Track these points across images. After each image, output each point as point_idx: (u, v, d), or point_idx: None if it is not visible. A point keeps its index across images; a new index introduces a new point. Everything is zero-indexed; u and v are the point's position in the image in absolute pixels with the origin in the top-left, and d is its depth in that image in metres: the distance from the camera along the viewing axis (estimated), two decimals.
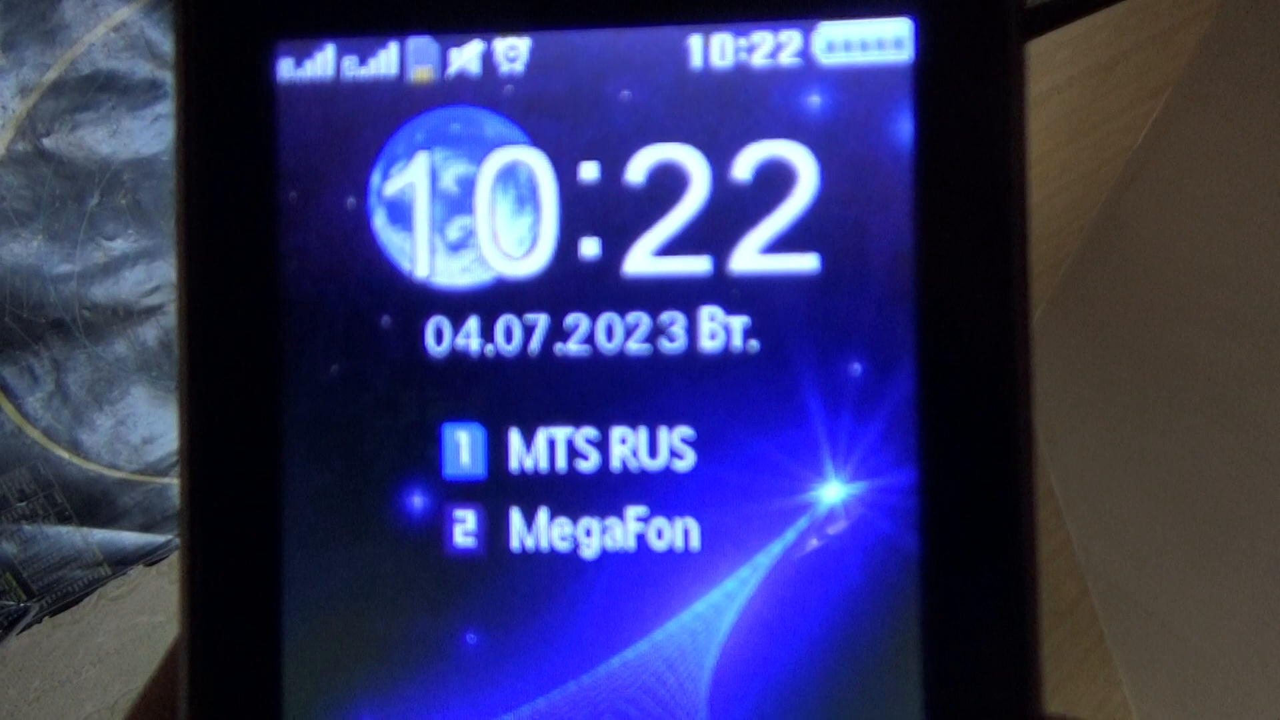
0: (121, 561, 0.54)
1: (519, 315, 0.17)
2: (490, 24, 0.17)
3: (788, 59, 0.17)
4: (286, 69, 0.17)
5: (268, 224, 0.17)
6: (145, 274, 0.53)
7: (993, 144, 0.16)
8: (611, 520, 0.17)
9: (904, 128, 0.17)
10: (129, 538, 0.54)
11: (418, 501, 0.17)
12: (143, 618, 0.55)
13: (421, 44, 0.17)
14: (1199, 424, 1.61)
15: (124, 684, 0.55)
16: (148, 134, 0.53)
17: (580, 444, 0.17)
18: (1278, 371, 1.48)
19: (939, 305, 0.16)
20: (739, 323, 0.17)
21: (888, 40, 0.17)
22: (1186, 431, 1.64)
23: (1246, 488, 1.60)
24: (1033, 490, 0.16)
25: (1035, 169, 1.29)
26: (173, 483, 0.55)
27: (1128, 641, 2.12)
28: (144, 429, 0.54)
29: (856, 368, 0.17)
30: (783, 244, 0.17)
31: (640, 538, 0.17)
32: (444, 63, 0.17)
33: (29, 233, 0.51)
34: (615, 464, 0.17)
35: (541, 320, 0.17)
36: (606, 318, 0.17)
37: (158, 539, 0.55)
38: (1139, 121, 1.41)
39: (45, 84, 0.52)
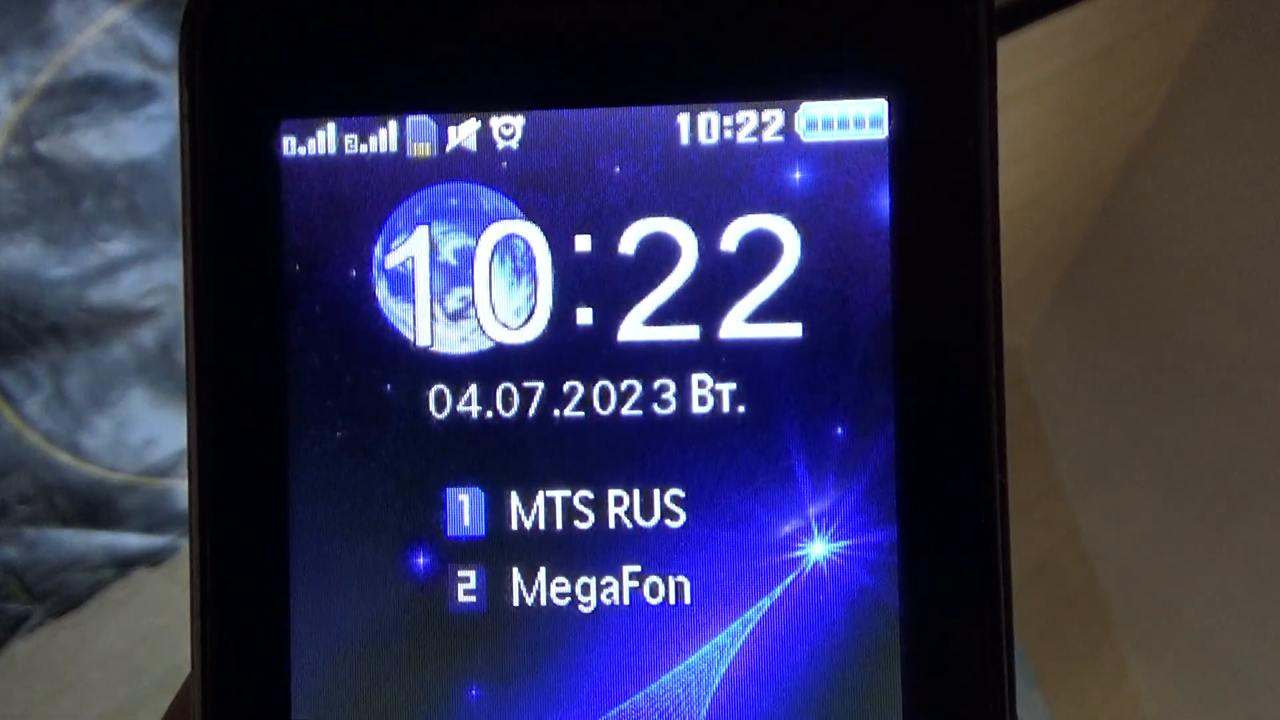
0: (124, 564, 0.55)
1: (517, 382, 0.18)
2: (486, 103, 0.18)
3: (771, 136, 0.18)
4: (290, 146, 0.18)
5: (274, 296, 0.18)
6: (142, 276, 0.54)
7: (965, 217, 0.17)
8: (608, 578, 0.18)
9: (881, 202, 0.17)
10: (131, 540, 0.55)
11: (422, 561, 0.18)
12: (147, 620, 0.56)
13: (420, 122, 0.18)
14: (1208, 411, 1.62)
15: (130, 686, 0.56)
16: (141, 136, 0.53)
17: (577, 504, 0.18)
18: None
19: (916, 372, 0.17)
20: (727, 388, 0.18)
21: (865, 119, 0.17)
22: (1195, 419, 1.65)
23: (1256, 474, 1.62)
24: (1007, 547, 0.17)
25: (1037, 157, 1.29)
26: (175, 484, 0.56)
27: (1137, 629, 2.14)
28: (144, 431, 0.55)
29: (839, 431, 0.17)
30: (768, 313, 0.18)
31: (635, 594, 0.18)
32: (442, 140, 0.18)
33: (24, 236, 0.52)
34: (610, 523, 0.18)
35: (539, 386, 0.18)
36: (601, 384, 0.18)
37: (160, 541, 0.56)
38: (1142, 106, 1.41)
39: (37, 88, 0.52)
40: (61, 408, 0.53)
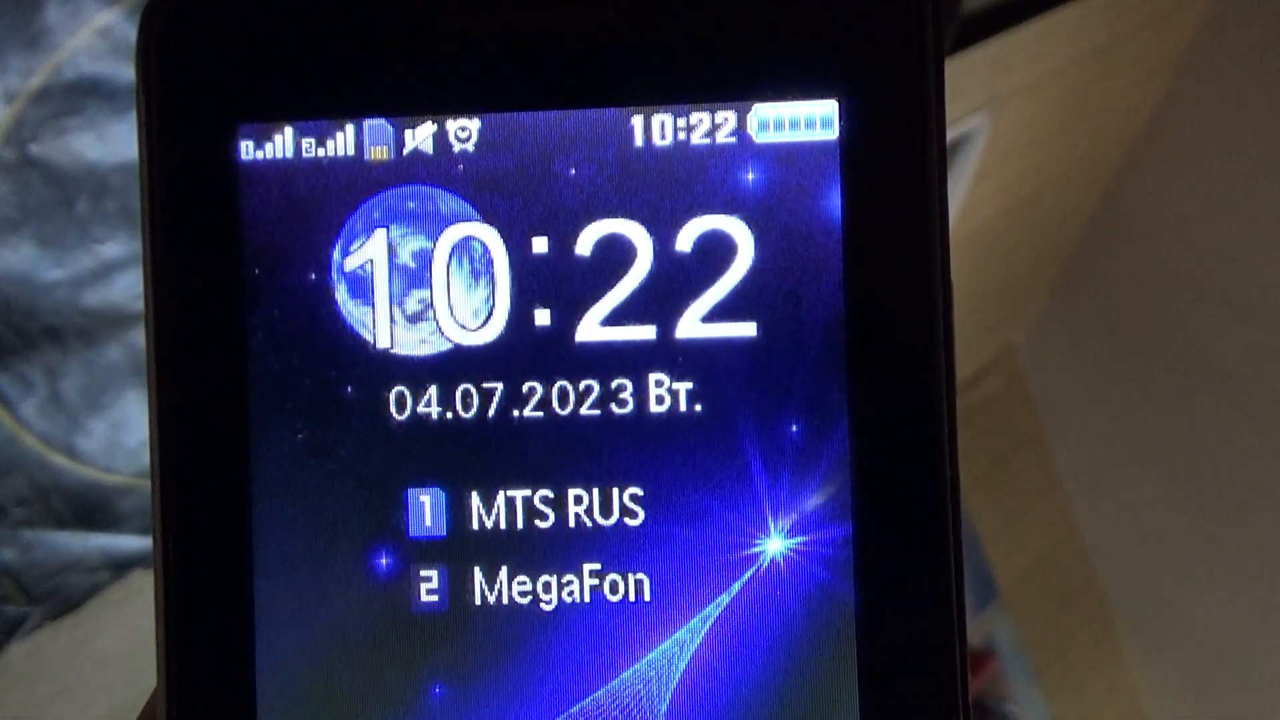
0: (121, 566, 0.55)
1: (476, 383, 0.18)
2: (442, 107, 0.18)
3: (724, 138, 0.18)
4: (248, 150, 0.18)
5: (233, 300, 0.18)
6: (137, 278, 0.54)
7: (914, 217, 0.17)
8: (569, 576, 0.18)
9: (833, 202, 0.18)
10: (128, 542, 0.55)
11: (384, 562, 0.18)
12: (145, 621, 0.56)
13: (377, 125, 0.18)
14: (1207, 408, 1.62)
15: (129, 688, 0.56)
16: (134, 138, 0.53)
17: (537, 504, 0.18)
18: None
19: (869, 370, 0.17)
20: (684, 387, 0.18)
21: (816, 120, 0.18)
22: (1194, 415, 1.65)
23: (1254, 470, 1.61)
24: (959, 541, 0.17)
25: (1034, 154, 1.29)
26: None
27: (1136, 626, 2.14)
28: (140, 433, 0.55)
29: (794, 429, 0.18)
30: (723, 312, 0.18)
31: (595, 591, 0.18)
32: (399, 143, 0.18)
33: (18, 239, 0.52)
34: (571, 522, 0.18)
35: (498, 387, 0.18)
36: (560, 384, 0.18)
37: None
38: (1139, 104, 1.41)
39: (30, 91, 0.52)
40: (57, 410, 0.53)
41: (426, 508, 0.18)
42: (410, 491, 0.18)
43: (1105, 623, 2.16)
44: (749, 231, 0.18)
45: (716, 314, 0.18)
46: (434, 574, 0.18)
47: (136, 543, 0.56)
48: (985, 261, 1.41)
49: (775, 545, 0.18)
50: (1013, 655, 2.02)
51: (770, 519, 0.18)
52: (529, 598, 0.18)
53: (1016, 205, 1.35)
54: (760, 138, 0.18)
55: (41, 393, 0.52)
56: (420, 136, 0.18)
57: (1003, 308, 1.68)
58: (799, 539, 0.18)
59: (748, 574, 0.18)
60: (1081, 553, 2.09)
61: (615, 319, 0.18)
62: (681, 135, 0.18)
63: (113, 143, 0.54)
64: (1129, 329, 1.66)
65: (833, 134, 0.17)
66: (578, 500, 0.18)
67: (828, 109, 0.17)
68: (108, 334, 0.54)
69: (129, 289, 0.54)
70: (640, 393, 0.18)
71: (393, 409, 0.18)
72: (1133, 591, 2.04)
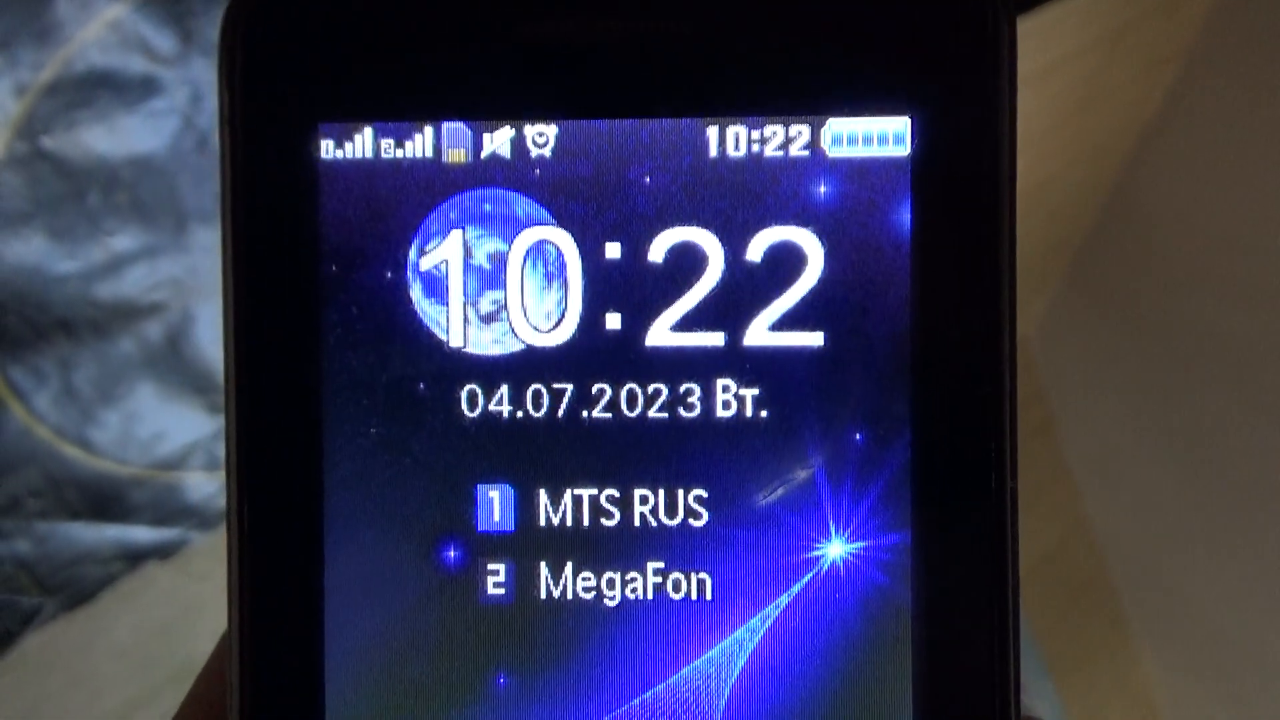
0: (135, 557, 0.55)
1: (547, 383, 0.18)
2: (521, 112, 0.18)
3: (797, 150, 0.18)
4: (328, 149, 0.18)
5: (311, 296, 0.18)
6: (149, 271, 0.54)
7: (983, 235, 0.18)
8: (632, 573, 0.18)
9: (902, 217, 0.18)
10: (141, 533, 0.55)
11: (453, 555, 0.18)
12: (158, 612, 0.56)
13: (455, 129, 0.18)
14: (1219, 399, 1.62)
15: (142, 679, 0.56)
16: (144, 130, 0.54)
17: (604, 502, 0.19)
18: None
19: (932, 383, 0.18)
20: (750, 394, 0.18)
21: (889, 135, 0.18)
22: (1206, 406, 1.65)
23: (1266, 459, 1.62)
24: (1016, 552, 0.18)
25: (1045, 142, 1.29)
26: (184, 476, 0.56)
27: (1147, 617, 2.13)
28: (152, 425, 0.55)
29: (857, 437, 0.18)
30: (791, 322, 0.18)
31: (658, 589, 0.18)
32: (477, 146, 0.18)
33: (30, 232, 0.52)
34: (636, 521, 0.18)
35: (568, 388, 0.18)
36: (628, 387, 0.18)
37: (170, 534, 0.56)
38: (1150, 91, 1.41)
39: (41, 84, 0.52)
40: (71, 402, 0.53)
41: (495, 503, 0.18)
42: (480, 487, 0.18)
43: (1116, 613, 2.16)
44: (819, 243, 0.18)
45: (785, 323, 0.18)
46: (501, 568, 0.18)
47: (150, 534, 0.56)
48: None
49: (835, 549, 0.18)
50: (1025, 647, 2.03)
51: (831, 524, 0.18)
52: (593, 593, 0.18)
53: (1027, 192, 1.35)
54: (833, 152, 0.18)
55: (55, 385, 0.53)
56: (498, 141, 0.18)
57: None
58: (859, 544, 0.18)
59: (807, 577, 0.18)
60: (1092, 544, 2.09)
61: (685, 325, 0.18)
62: (756, 147, 0.18)
63: (123, 135, 0.54)
64: (1140, 319, 1.67)
65: (905, 150, 0.18)
66: (643, 500, 0.18)
67: (900, 125, 0.18)
68: (119, 326, 0.54)
69: (140, 281, 0.54)
70: (708, 397, 0.18)
71: (464, 407, 0.18)
72: (1144, 582, 2.04)
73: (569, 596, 0.18)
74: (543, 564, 0.19)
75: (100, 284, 0.53)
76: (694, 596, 0.18)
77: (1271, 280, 1.47)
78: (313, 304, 0.18)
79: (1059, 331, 1.85)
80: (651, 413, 0.18)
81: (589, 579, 0.18)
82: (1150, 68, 1.38)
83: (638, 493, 0.18)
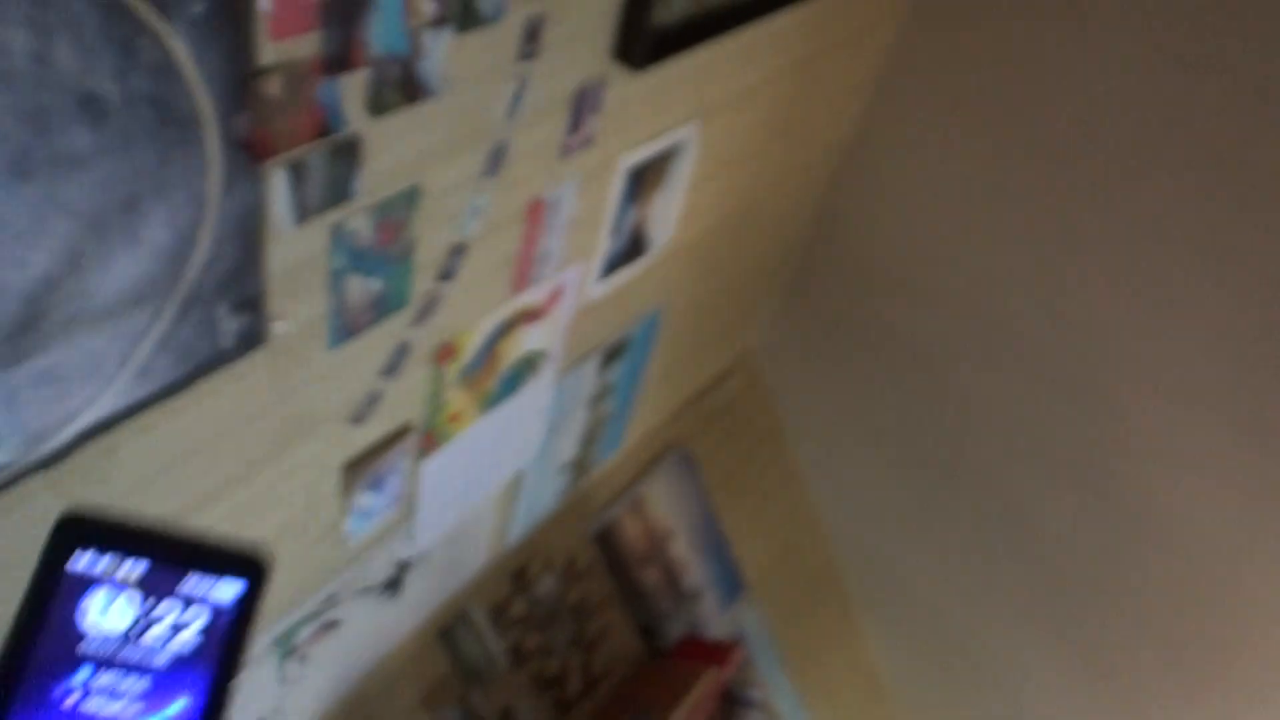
0: None
1: None
2: None
3: None
4: None
5: None
6: None
7: None
8: None
9: None
10: None
11: None
12: None
13: None
14: (914, 392, 1.77)
15: None
16: None
17: None
18: (970, 343, 1.65)
19: None
20: None
21: None
22: (904, 400, 1.79)
23: (956, 450, 1.77)
24: None
25: (749, 162, 1.37)
26: None
27: (870, 600, 2.28)
28: None
29: None
30: None
31: None
32: None
33: None
34: None
35: None
36: None
37: None
38: (842, 117, 1.51)
39: None
40: None
41: None
42: None
43: (844, 600, 2.30)
44: None
45: None
46: None
47: None
48: (713, 267, 1.49)
49: None
50: (760, 643, 2.13)
51: None
52: None
53: (736, 211, 1.44)
54: None
55: None
56: None
57: (737, 312, 1.78)
58: None
59: None
60: (821, 538, 2.22)
61: None
62: None
63: None
64: (848, 325, 1.80)
65: None
66: None
67: None
68: None
69: None
70: None
71: None
72: (866, 568, 2.18)
73: None
74: None
75: None
76: None
77: (953, 285, 1.64)
78: None
79: (782, 342, 1.99)
80: None
81: None
82: (841, 95, 1.48)
83: None
